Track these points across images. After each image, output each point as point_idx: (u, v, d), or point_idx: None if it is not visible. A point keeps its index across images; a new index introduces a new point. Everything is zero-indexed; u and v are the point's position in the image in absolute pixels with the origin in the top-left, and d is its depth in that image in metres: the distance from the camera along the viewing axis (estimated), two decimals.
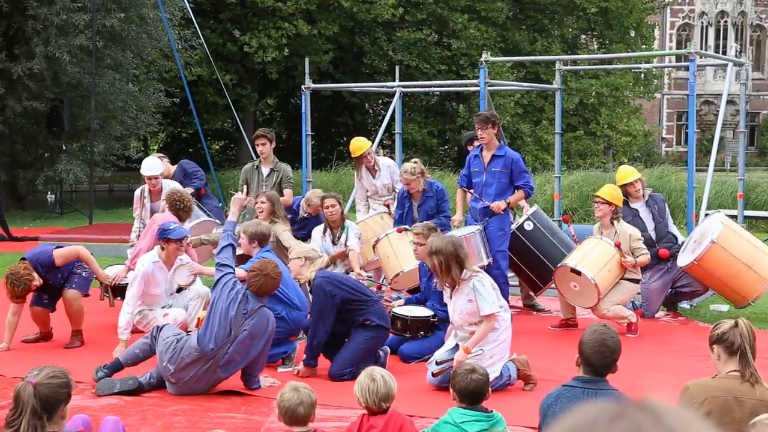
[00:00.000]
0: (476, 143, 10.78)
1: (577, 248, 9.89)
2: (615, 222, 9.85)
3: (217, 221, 11.20)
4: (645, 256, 9.68)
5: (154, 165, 11.16)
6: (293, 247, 9.54)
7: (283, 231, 10.22)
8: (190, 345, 7.26)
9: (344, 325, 7.87)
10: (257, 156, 11.70)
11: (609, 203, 9.82)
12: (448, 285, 7.42)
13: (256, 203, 10.33)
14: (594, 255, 9.57)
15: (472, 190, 10.22)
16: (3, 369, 8.18)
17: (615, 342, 4.85)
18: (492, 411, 5.37)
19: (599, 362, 4.79)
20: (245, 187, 11.18)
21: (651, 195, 10.75)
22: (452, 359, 7.31)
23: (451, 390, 5.42)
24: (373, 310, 7.88)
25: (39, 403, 4.44)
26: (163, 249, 9.01)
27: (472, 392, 5.30)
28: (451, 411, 5.34)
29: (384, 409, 5.28)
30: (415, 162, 10.89)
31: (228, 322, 7.16)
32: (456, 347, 7.51)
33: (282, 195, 11.20)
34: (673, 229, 10.74)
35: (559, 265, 9.70)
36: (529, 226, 10.46)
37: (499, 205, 9.91)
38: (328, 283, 7.83)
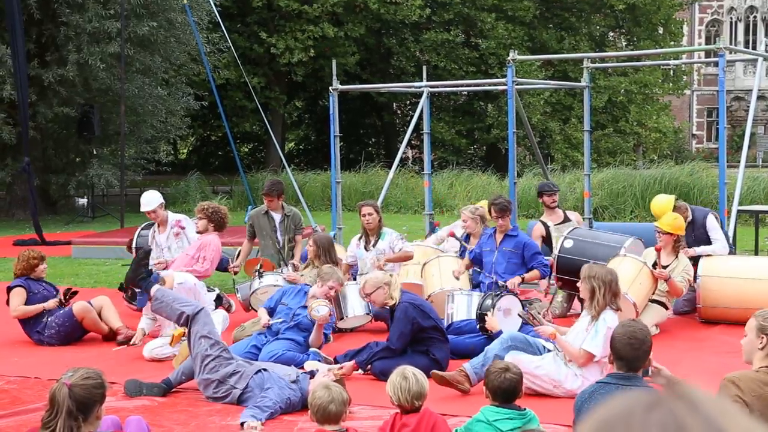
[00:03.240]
0: (545, 197, 11.77)
1: None
2: (678, 248, 9.62)
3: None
4: (683, 285, 9.44)
5: (150, 200, 10.98)
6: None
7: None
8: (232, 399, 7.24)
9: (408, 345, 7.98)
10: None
11: (670, 234, 9.62)
12: (592, 312, 7.13)
13: (307, 247, 10.17)
14: (622, 273, 9.39)
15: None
16: (39, 371, 8.25)
17: (644, 333, 4.86)
18: (525, 409, 5.36)
19: (630, 355, 4.79)
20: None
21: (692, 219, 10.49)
22: (537, 322, 7.48)
23: (484, 388, 5.41)
24: (439, 345, 7.91)
25: (74, 404, 4.47)
26: None
27: (506, 391, 5.29)
28: (483, 409, 5.33)
29: (416, 407, 5.28)
30: (478, 207, 11.26)
31: None
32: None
33: (295, 240, 11.51)
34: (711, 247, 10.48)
35: None
36: (569, 243, 10.35)
37: (514, 281, 9.65)
38: (412, 308, 7.88)
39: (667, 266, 9.49)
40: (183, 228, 11.17)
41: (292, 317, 8.54)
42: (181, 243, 10.64)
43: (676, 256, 9.60)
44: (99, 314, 9.53)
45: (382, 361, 7.88)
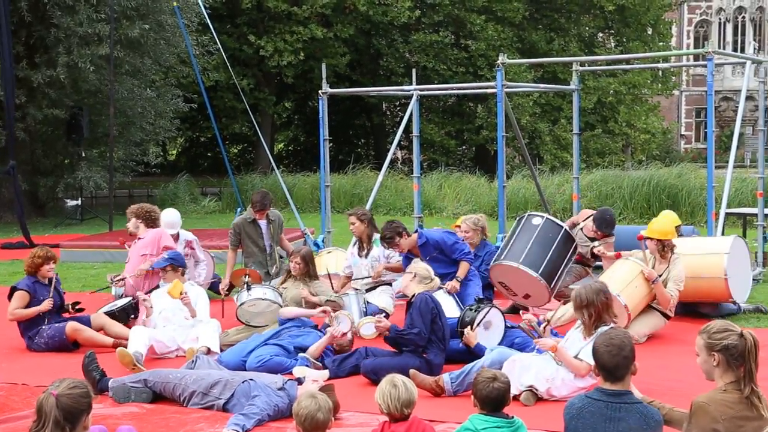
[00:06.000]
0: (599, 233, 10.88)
1: (604, 273, 9.80)
2: (671, 253, 9.52)
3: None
4: (670, 294, 9.32)
5: (174, 221, 11.46)
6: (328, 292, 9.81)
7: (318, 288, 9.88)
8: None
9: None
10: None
11: (652, 239, 9.53)
12: (587, 333, 7.08)
13: (291, 262, 10.15)
14: (618, 275, 9.42)
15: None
16: (26, 378, 8.24)
17: (621, 340, 4.83)
18: (513, 417, 5.36)
19: (610, 363, 4.78)
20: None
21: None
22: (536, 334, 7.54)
23: (472, 397, 5.41)
24: (437, 347, 7.90)
25: (61, 413, 4.48)
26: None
27: (494, 400, 5.28)
28: (471, 418, 5.33)
29: (405, 415, 5.28)
30: (480, 218, 11.16)
31: None
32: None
33: (281, 241, 11.90)
34: None
35: None
36: (537, 221, 10.22)
37: (453, 285, 9.73)
38: (431, 300, 7.93)
39: (660, 275, 9.45)
40: (193, 249, 11.32)
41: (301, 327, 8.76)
42: (188, 261, 10.78)
43: (668, 265, 9.55)
44: (102, 330, 9.51)
45: (373, 359, 7.97)
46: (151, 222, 10.65)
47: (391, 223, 10.10)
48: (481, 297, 8.97)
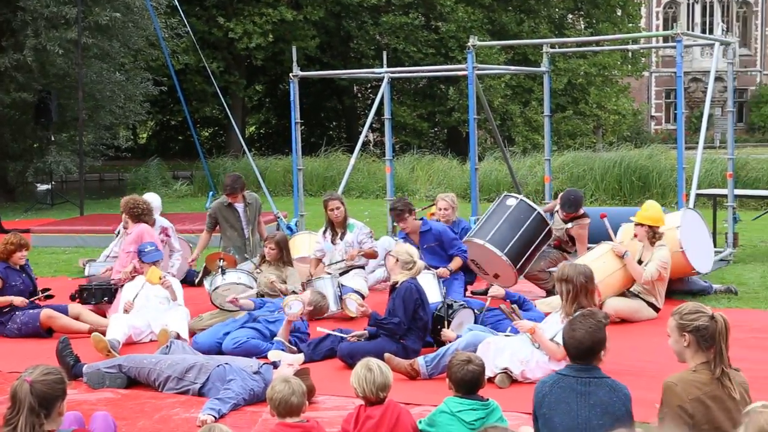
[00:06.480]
0: (564, 212, 10.72)
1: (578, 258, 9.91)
2: (657, 241, 9.63)
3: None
4: (644, 273, 9.40)
5: (159, 204, 11.57)
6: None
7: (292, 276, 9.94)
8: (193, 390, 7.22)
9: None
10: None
11: (643, 225, 9.63)
12: (567, 313, 7.07)
13: (265, 247, 10.12)
14: (588, 256, 9.61)
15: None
16: None
17: (583, 334, 4.87)
18: (488, 399, 5.40)
19: (574, 353, 4.87)
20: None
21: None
22: (516, 317, 7.62)
23: (447, 380, 5.44)
24: (416, 335, 7.90)
25: (36, 400, 4.46)
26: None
27: (469, 383, 5.32)
28: (447, 400, 5.36)
29: (381, 398, 5.30)
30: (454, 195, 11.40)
31: None
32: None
33: (258, 225, 11.85)
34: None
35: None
36: (511, 202, 10.31)
37: (443, 272, 9.87)
38: (417, 291, 7.86)
39: (642, 262, 9.57)
40: (168, 237, 11.27)
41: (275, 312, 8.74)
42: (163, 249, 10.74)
43: (653, 251, 9.65)
44: (79, 318, 9.45)
45: (349, 343, 7.98)
46: (135, 217, 10.50)
47: (402, 198, 10.41)
48: (451, 302, 8.90)
